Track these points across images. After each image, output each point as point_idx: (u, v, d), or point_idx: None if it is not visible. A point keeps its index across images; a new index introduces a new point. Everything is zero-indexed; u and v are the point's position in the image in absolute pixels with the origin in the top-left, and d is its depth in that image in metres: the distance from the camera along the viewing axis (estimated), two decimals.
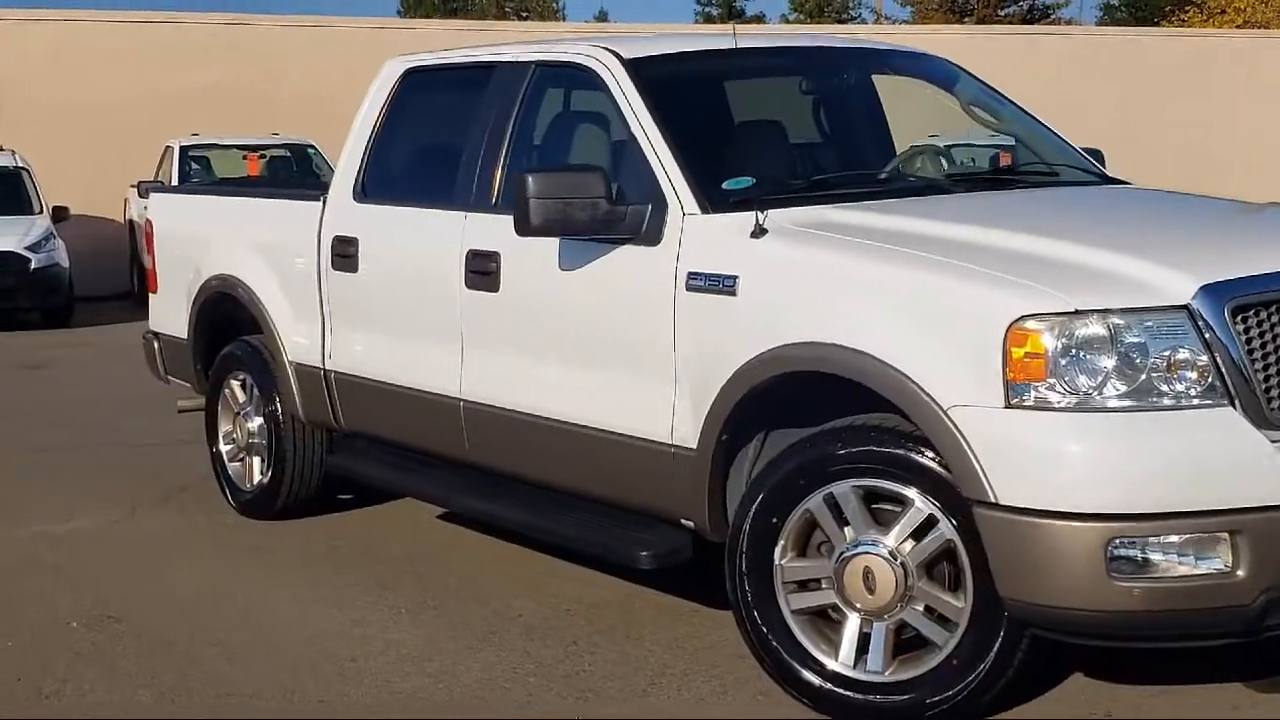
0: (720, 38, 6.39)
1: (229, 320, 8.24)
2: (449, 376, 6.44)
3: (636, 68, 5.89)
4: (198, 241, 8.30)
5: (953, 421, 4.47)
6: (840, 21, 53.14)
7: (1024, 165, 6.33)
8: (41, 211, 18.62)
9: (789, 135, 6.36)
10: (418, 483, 6.81)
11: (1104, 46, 29.48)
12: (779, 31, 33.21)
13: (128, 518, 8.16)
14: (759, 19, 68.61)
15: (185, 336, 8.42)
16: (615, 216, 5.50)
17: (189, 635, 6.12)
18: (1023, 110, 6.71)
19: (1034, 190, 6.07)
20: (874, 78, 6.75)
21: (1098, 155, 6.59)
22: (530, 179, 5.47)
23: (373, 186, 7.07)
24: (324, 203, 7.27)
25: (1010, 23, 48.88)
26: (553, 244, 5.79)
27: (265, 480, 7.85)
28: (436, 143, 7.11)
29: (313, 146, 20.79)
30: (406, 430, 6.90)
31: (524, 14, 63.67)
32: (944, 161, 6.27)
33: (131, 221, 21.32)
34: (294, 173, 20.31)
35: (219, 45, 23.96)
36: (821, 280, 4.94)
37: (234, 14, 24.91)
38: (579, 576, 6.62)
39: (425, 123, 7.21)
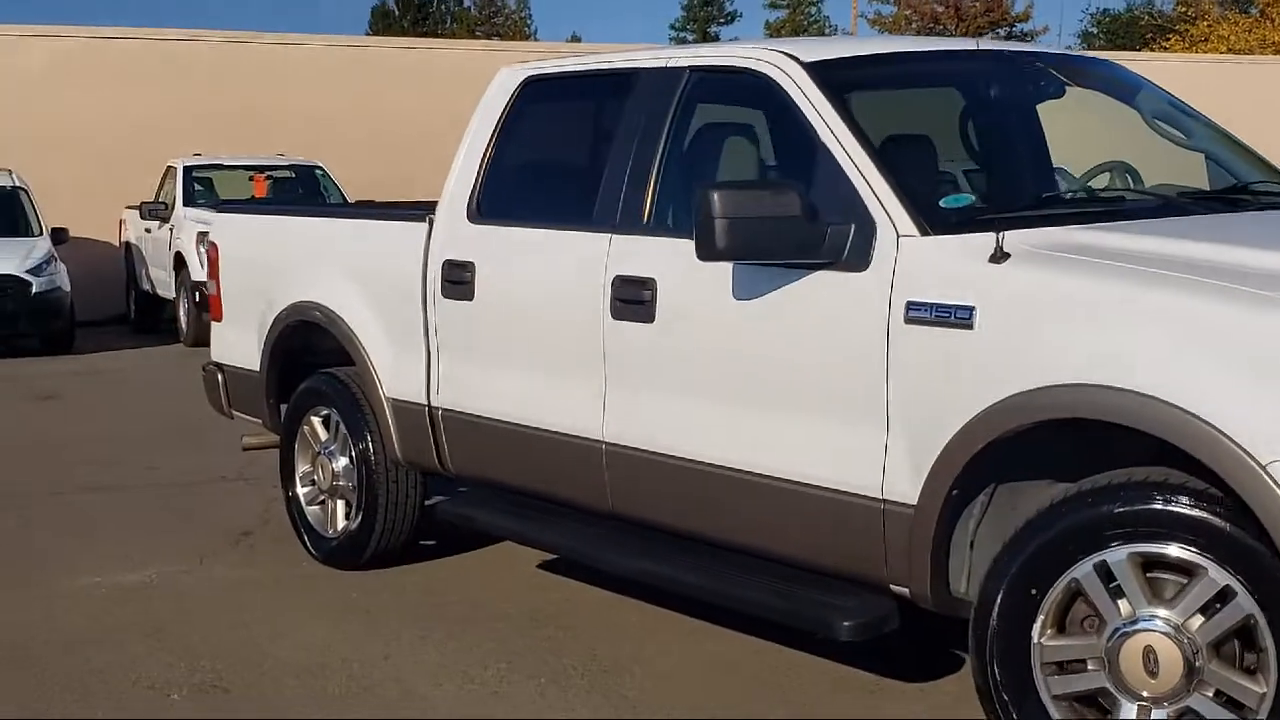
0: (885, 39, 5.74)
1: (306, 351, 7.57)
2: (589, 417, 5.78)
3: (820, 72, 5.25)
4: (273, 265, 7.62)
5: (1274, 480, 3.83)
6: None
7: (1256, 184, 5.68)
8: (41, 233, 17.84)
9: (987, 147, 5.72)
10: (552, 536, 6.11)
11: None
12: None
13: (197, 567, 7.45)
14: (732, 17, 68.50)
15: (256, 369, 7.72)
16: (813, 239, 4.85)
17: (315, 708, 5.42)
18: (1213, 125, 6.09)
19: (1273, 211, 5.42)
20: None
21: None
22: (716, 196, 4.81)
23: (491, 206, 6.40)
24: (430, 223, 6.60)
25: None
26: (725, 270, 5.14)
27: (353, 527, 7.16)
28: (567, 157, 6.46)
29: (320, 168, 20.11)
30: (530, 475, 6.22)
31: (495, 36, 63.17)
32: (1129, 178, 5.60)
33: (128, 243, 20.61)
34: (300, 195, 19.59)
35: (213, 64, 23.26)
36: (1087, 311, 4.28)
37: (229, 31, 24.13)
38: (731, 639, 5.98)
39: (552, 135, 6.56)
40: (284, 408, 7.73)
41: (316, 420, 7.39)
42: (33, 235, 17.75)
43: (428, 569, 7.30)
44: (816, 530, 4.99)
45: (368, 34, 61.19)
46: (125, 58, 22.75)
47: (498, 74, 6.64)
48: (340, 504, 7.30)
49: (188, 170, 19.16)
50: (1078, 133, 6.10)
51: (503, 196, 6.42)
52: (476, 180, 6.44)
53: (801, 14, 67.37)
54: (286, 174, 20.04)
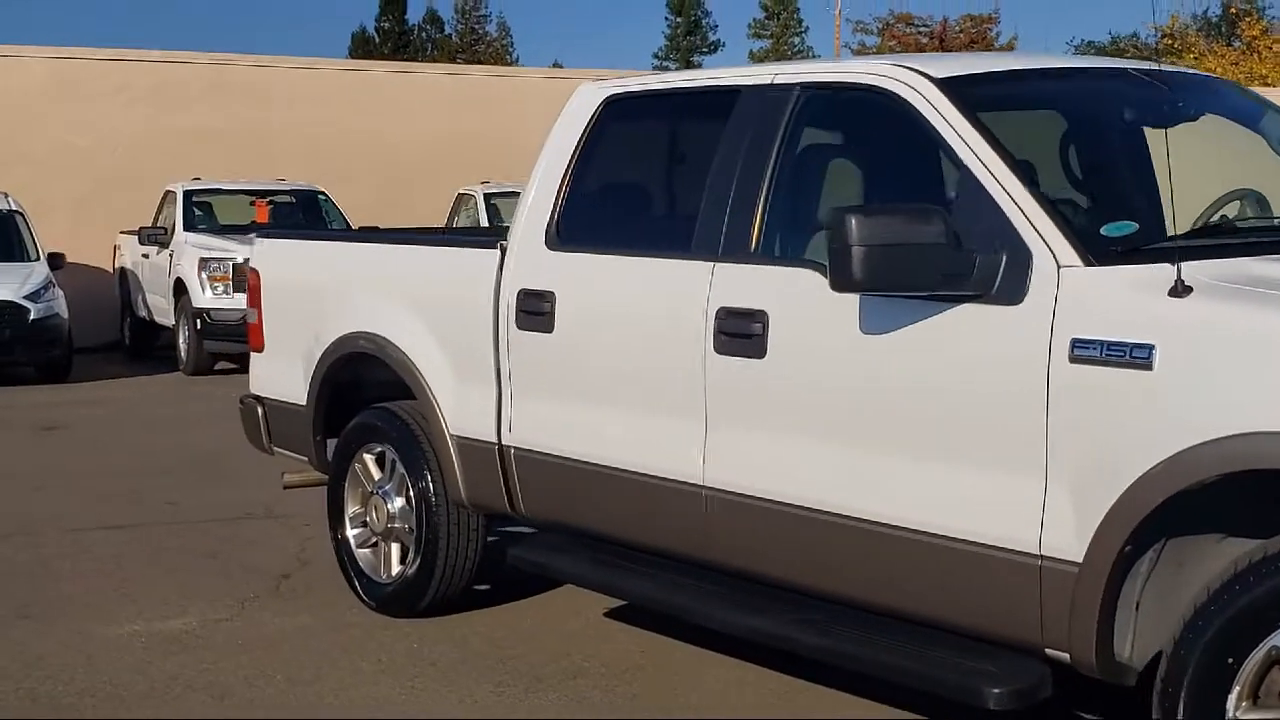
0: (1004, 56, 5.36)
1: (357, 384, 7.15)
2: (686, 458, 5.36)
3: (956, 89, 4.85)
4: (323, 294, 7.19)
5: None
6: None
7: None
8: (38, 258, 17.35)
9: (1130, 170, 5.33)
10: (646, 589, 5.65)
11: None
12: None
13: (239, 614, 7.00)
14: (716, 45, 68.32)
15: (303, 402, 7.28)
16: (960, 268, 4.45)
17: None
18: None
19: None
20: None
21: None
22: (853, 221, 4.40)
23: (572, 232, 5.99)
24: (503, 250, 6.18)
25: None
26: (850, 301, 4.74)
27: (410, 572, 6.72)
28: (658, 180, 6.08)
29: (322, 193, 19.66)
30: (615, 520, 5.80)
31: (476, 63, 62.81)
32: (1260, 207, 5.22)
33: (123, 269, 20.14)
34: (301, 220, 19.17)
35: (208, 87, 22.80)
36: None
37: (226, 55, 23.70)
38: (834, 699, 5.59)
39: (639, 157, 6.16)
40: (330, 443, 7.27)
41: (369, 458, 6.96)
42: (29, 260, 17.27)
43: (488, 617, 6.86)
44: (955, 587, 4.58)
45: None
46: (120, 79, 22.28)
47: (575, 93, 6.23)
48: (395, 547, 6.86)
49: (187, 195, 18.70)
50: (1203, 158, 5.70)
51: (586, 222, 6.01)
52: (555, 205, 6.03)
53: (785, 43, 67.30)
54: (287, 199, 19.61)
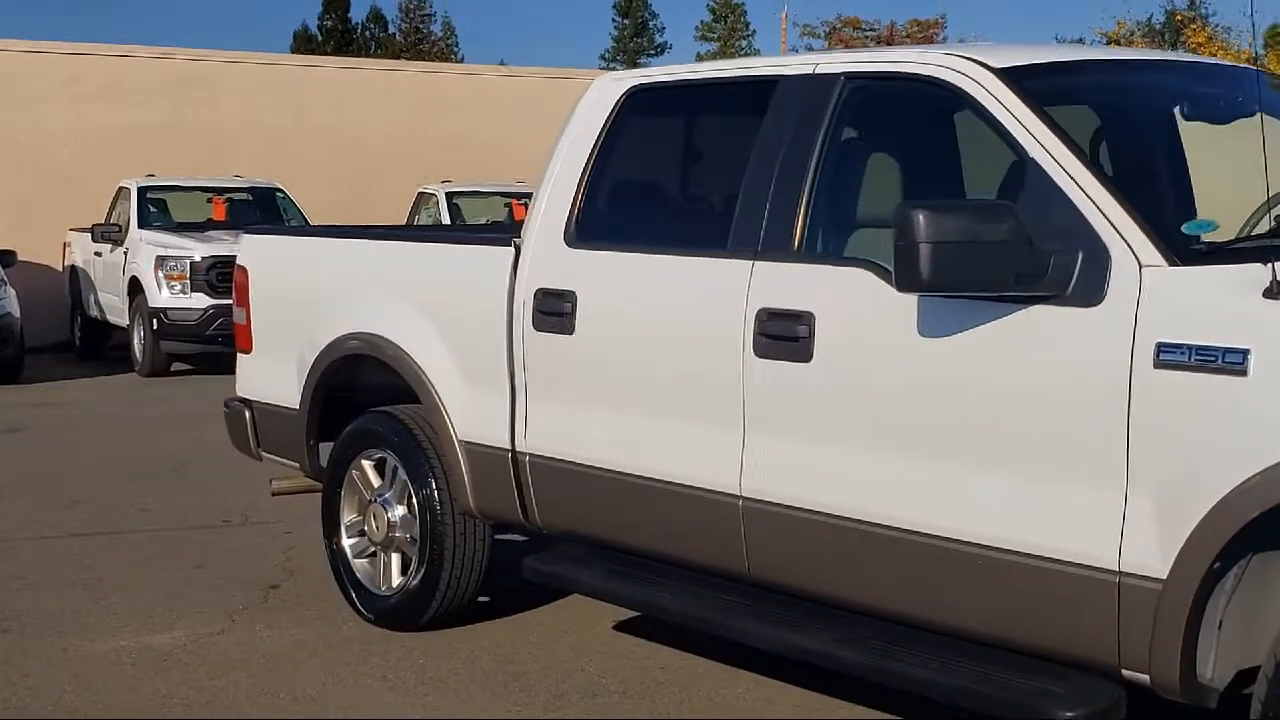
0: (1059, 48, 5.14)
1: (352, 388, 6.85)
2: (722, 467, 5.11)
3: (1019, 81, 4.61)
4: (318, 292, 6.90)
5: None
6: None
7: None
8: None
9: (1185, 167, 5.11)
10: (678, 604, 5.35)
11: None
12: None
13: (230, 627, 6.69)
14: (662, 48, 68.16)
15: (294, 406, 6.97)
16: (1034, 268, 4.21)
17: None
18: None
19: None
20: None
21: None
22: (922, 217, 4.16)
23: (593, 228, 5.73)
24: (517, 248, 5.90)
25: None
26: (907, 303, 4.50)
27: (413, 584, 6.42)
28: (687, 175, 5.82)
29: (280, 190, 19.28)
30: (640, 531, 5.53)
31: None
32: None
33: (73, 267, 19.69)
34: (259, 218, 18.75)
35: (159, 81, 22.37)
36: None
37: (178, 49, 23.25)
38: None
39: (666, 150, 5.90)
40: (324, 448, 6.97)
41: (368, 464, 6.66)
42: None
43: (492, 630, 6.58)
44: (1022, 605, 4.34)
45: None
46: (67, 73, 21.79)
47: (594, 84, 5.97)
48: (396, 558, 6.57)
49: (142, 191, 18.26)
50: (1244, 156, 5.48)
51: (609, 219, 5.75)
52: (575, 201, 5.76)
53: (732, 46, 67.19)
54: (244, 196, 19.20)
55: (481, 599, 6.72)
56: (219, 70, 23.12)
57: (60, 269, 20.58)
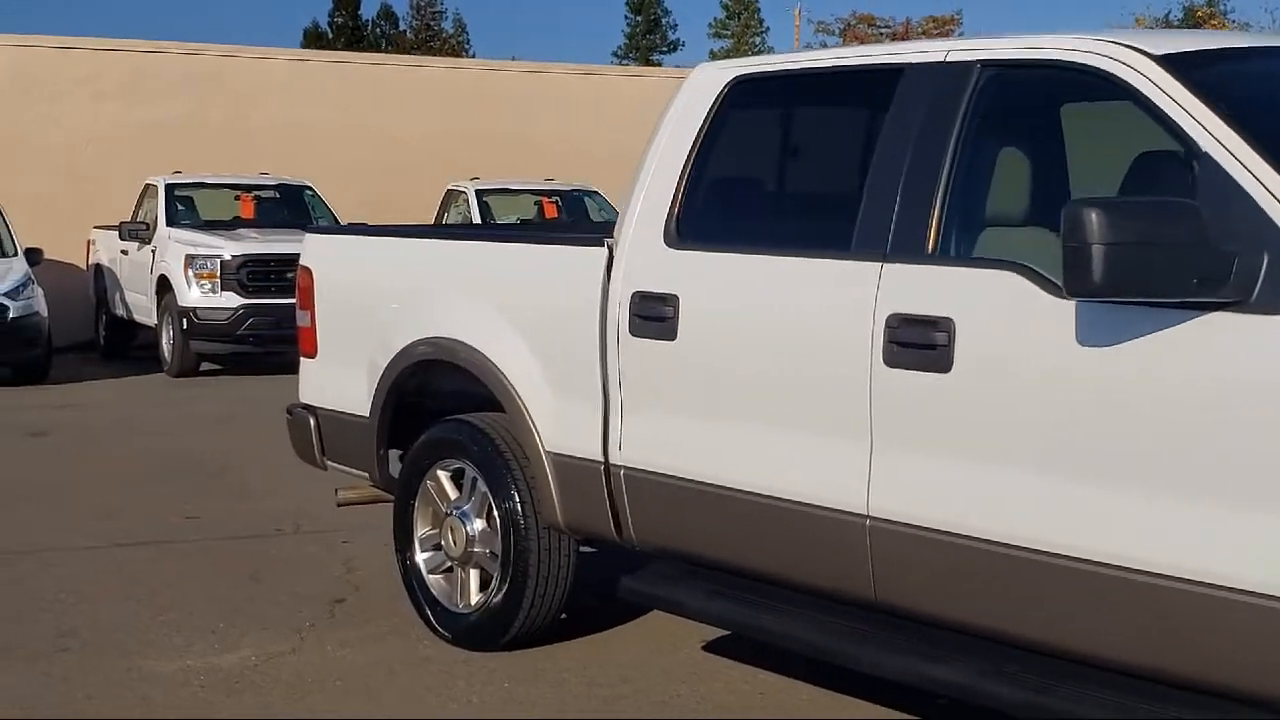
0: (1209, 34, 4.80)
1: (421, 394, 6.52)
2: (846, 484, 4.76)
3: (1183, 69, 4.27)
4: (391, 296, 6.58)
5: None
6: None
7: None
8: (16, 254, 16.57)
9: None
10: (800, 631, 5.00)
11: None
12: None
13: (300, 646, 6.38)
14: (675, 45, 67.72)
15: (364, 414, 6.64)
16: (1215, 272, 3.87)
17: None
18: None
19: None
20: None
21: None
22: (1095, 216, 3.82)
23: (696, 228, 5.39)
24: (610, 248, 5.57)
25: None
26: (1064, 309, 4.16)
27: (496, 600, 6.09)
28: (801, 170, 5.49)
29: (309, 188, 18.93)
30: (750, 551, 5.19)
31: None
32: None
33: (98, 265, 19.37)
34: (286, 216, 18.44)
35: (181, 77, 22.05)
36: None
37: (198, 44, 22.92)
38: None
39: (776, 144, 5.58)
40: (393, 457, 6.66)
41: (444, 475, 6.33)
42: (7, 256, 16.49)
43: (576, 651, 6.26)
44: (1212, 640, 3.97)
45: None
46: (86, 70, 21.48)
47: (693, 74, 5.63)
48: (474, 574, 6.24)
49: (169, 188, 17.95)
50: None
51: (713, 217, 5.42)
52: (676, 199, 5.43)
53: (746, 44, 66.86)
54: (272, 194, 18.87)
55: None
56: (239, 66, 22.79)
57: (84, 267, 20.23)
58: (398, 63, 27.44)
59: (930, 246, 4.63)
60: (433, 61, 31.61)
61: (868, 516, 4.71)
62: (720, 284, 5.23)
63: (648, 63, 66.22)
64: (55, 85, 21.21)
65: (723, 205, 5.47)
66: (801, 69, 5.44)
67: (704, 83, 5.54)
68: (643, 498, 5.49)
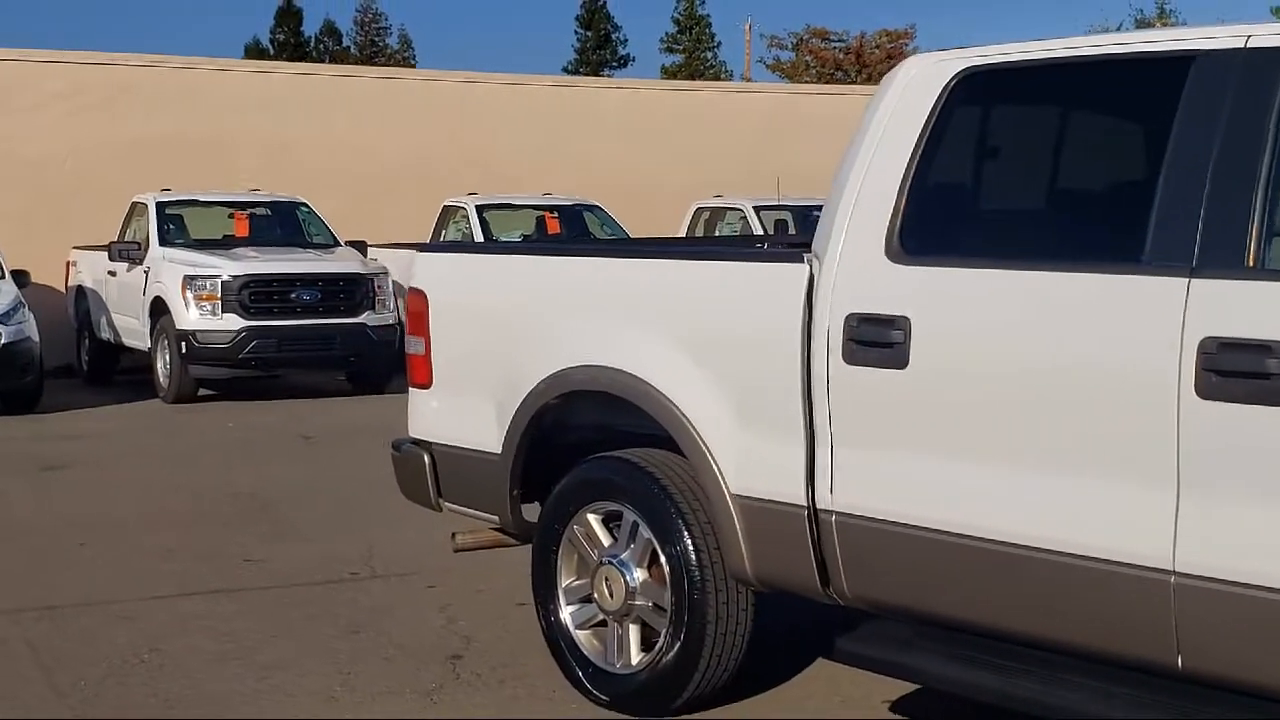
0: None
1: (564, 429, 5.86)
2: (1145, 536, 4.13)
3: None
4: (526, 319, 5.90)
5: None
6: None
7: None
8: (4, 276, 15.71)
9: None
10: (1076, 700, 4.36)
11: None
12: None
13: (431, 707, 5.67)
14: (625, 60, 67.21)
15: (495, 450, 5.95)
16: None
17: None
18: None
19: None
20: None
21: None
22: None
23: (926, 240, 4.75)
24: (812, 265, 4.91)
25: None
26: None
27: (666, 660, 5.41)
28: (1057, 173, 4.83)
29: (304, 204, 18.15)
30: (1010, 610, 4.52)
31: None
32: None
33: (80, 287, 18.53)
34: (280, 234, 17.70)
35: (162, 92, 21.21)
36: None
37: (181, 57, 22.11)
38: None
39: (1018, 144, 4.92)
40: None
41: (594, 519, 5.66)
42: None
43: (754, 710, 5.61)
44: None
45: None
46: (61, 84, 20.62)
47: (905, 68, 4.99)
48: (635, 629, 5.56)
49: (160, 206, 17.12)
50: None
51: (947, 228, 4.79)
52: (898, 207, 4.77)
53: (698, 59, 66.33)
54: (264, 211, 18.08)
55: None
56: (217, 79, 21.99)
57: (63, 289, 19.36)
58: (369, 75, 26.67)
59: (1250, 259, 4.01)
60: (406, 74, 30.83)
61: (1173, 573, 4.07)
62: (964, 303, 4.58)
63: (601, 53, 65.75)
64: (23, 102, 20.33)
65: (958, 214, 4.84)
66: (1044, 60, 4.76)
67: (921, 78, 4.90)
68: (859, 548, 4.84)
